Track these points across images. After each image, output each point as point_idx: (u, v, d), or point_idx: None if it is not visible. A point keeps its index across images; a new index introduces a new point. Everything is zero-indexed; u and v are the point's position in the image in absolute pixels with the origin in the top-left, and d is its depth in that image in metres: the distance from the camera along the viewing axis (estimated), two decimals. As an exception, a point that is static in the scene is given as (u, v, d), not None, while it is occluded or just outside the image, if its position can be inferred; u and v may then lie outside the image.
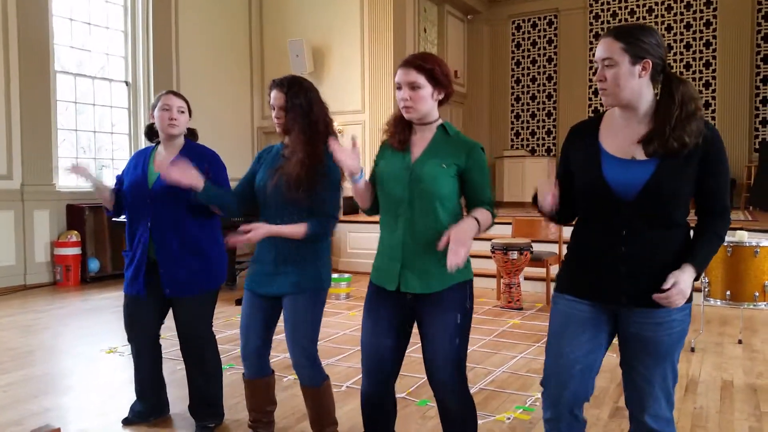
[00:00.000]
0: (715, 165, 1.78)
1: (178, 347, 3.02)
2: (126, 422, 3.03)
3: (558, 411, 1.92)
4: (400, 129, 2.19)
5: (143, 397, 3.05)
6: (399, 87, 2.12)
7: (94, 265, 7.51)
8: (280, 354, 4.03)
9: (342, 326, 5.10)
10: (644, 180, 1.76)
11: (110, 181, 3.09)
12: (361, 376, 2.27)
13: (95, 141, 8.22)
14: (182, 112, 2.87)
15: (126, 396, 3.32)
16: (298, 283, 2.49)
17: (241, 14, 9.96)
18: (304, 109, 2.46)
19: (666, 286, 1.72)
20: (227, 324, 5.13)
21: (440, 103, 2.18)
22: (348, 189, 2.37)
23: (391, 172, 2.17)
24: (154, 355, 3.04)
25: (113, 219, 6.64)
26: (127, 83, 8.43)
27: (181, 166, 2.45)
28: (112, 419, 3.10)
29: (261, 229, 2.39)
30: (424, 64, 2.09)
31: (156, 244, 2.82)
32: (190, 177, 2.44)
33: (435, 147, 2.15)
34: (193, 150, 2.92)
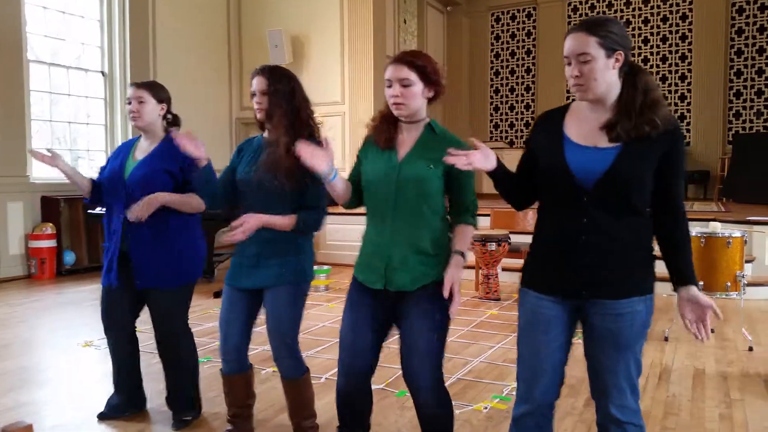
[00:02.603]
0: (678, 163, 1.81)
1: (155, 340, 3.00)
2: (101, 417, 3.01)
3: (530, 407, 1.94)
4: (386, 127, 2.18)
5: (120, 391, 3.03)
6: (389, 84, 2.11)
7: (69, 257, 7.42)
8: (257, 347, 4.02)
9: (321, 318, 5.10)
10: (606, 166, 1.77)
11: (86, 172, 3.05)
12: (338, 371, 2.28)
13: (70, 132, 8.09)
14: (142, 102, 2.81)
15: (102, 390, 3.29)
16: (281, 275, 2.48)
17: (220, 3, 9.85)
18: (286, 94, 2.44)
19: (702, 316, 1.85)
20: (204, 317, 5.11)
21: (429, 101, 2.18)
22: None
23: (377, 172, 2.16)
24: (131, 348, 3.02)
25: (89, 211, 6.59)
26: (103, 73, 8.31)
27: (191, 137, 2.42)
28: (87, 413, 3.08)
29: (253, 220, 2.36)
30: (416, 61, 2.09)
31: (129, 235, 2.79)
32: (198, 148, 2.41)
33: (422, 147, 2.15)
34: (173, 142, 2.89)
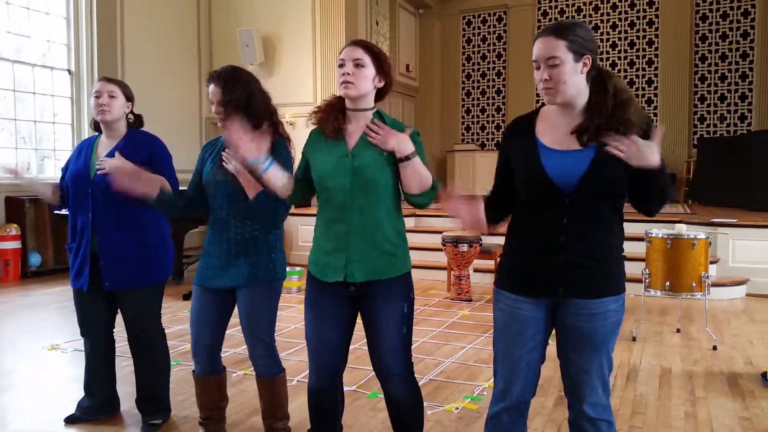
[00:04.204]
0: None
1: (126, 342, 2.95)
2: (71, 419, 2.94)
3: (507, 404, 1.96)
4: (334, 116, 2.15)
5: (92, 394, 2.96)
6: (341, 64, 2.09)
7: (35, 259, 7.25)
8: (229, 349, 3.98)
9: (293, 320, 5.07)
10: (583, 168, 1.79)
11: (53, 173, 2.98)
12: (309, 372, 2.27)
13: (36, 131, 7.91)
14: (113, 97, 2.76)
15: (68, 394, 3.23)
16: (253, 274, 2.46)
17: (190, 2, 9.74)
18: (241, 103, 2.41)
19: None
20: (174, 319, 5.03)
21: (379, 95, 2.18)
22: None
23: (329, 163, 2.12)
24: (108, 351, 2.96)
25: (55, 211, 6.45)
26: (69, 71, 8.14)
27: (128, 175, 2.36)
28: (53, 418, 3.01)
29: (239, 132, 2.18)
30: (372, 48, 2.11)
31: (98, 236, 2.73)
32: (140, 186, 2.35)
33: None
34: (135, 137, 2.85)
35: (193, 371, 2.63)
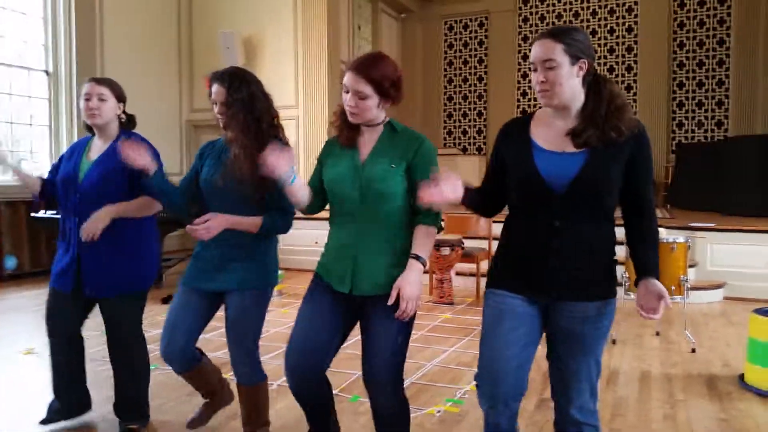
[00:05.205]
0: (645, 167, 1.87)
1: (104, 346, 2.90)
2: (44, 422, 2.88)
3: (493, 405, 1.95)
4: (348, 125, 2.16)
5: (60, 396, 2.91)
6: (346, 90, 2.09)
7: (11, 262, 7.12)
8: (209, 353, 3.93)
9: (274, 323, 5.03)
10: (576, 170, 1.81)
11: (32, 171, 2.93)
12: (285, 364, 2.22)
13: (12, 133, 7.78)
14: (103, 100, 2.72)
15: (45, 398, 3.16)
16: (245, 279, 2.43)
17: (171, 3, 9.66)
18: (246, 104, 2.39)
19: (654, 306, 1.80)
20: (153, 323, 4.96)
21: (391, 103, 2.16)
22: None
23: (340, 173, 2.14)
24: (73, 351, 2.89)
25: (32, 214, 6.34)
26: (47, 72, 8.02)
27: (134, 144, 2.36)
28: (29, 422, 2.95)
29: (218, 220, 2.31)
30: (373, 74, 2.04)
31: (82, 242, 2.67)
32: (143, 156, 2.36)
33: (383, 146, 2.14)
34: (128, 139, 2.81)
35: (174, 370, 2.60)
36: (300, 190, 2.15)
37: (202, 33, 9.71)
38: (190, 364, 2.58)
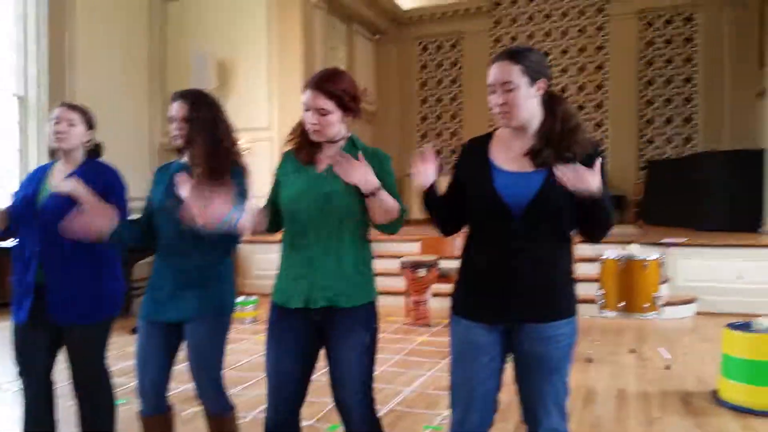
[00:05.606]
0: (603, 186, 1.87)
1: (68, 381, 2.81)
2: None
3: None
4: (307, 140, 2.14)
5: None
6: (307, 108, 2.08)
7: (-24, 292, 6.92)
8: (179, 385, 3.85)
9: (248, 352, 4.95)
10: (534, 191, 1.82)
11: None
12: (267, 405, 2.19)
13: (-21, 158, 7.62)
14: (72, 125, 2.67)
15: (9, 437, 3.06)
16: (201, 307, 2.37)
17: (143, 26, 9.59)
18: (208, 122, 2.36)
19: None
20: (121, 355, 4.85)
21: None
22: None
23: (299, 189, 2.11)
24: (47, 392, 2.80)
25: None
26: (18, 97, 7.90)
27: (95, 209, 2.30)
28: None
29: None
30: (333, 89, 2.05)
31: (45, 268, 2.60)
32: (102, 219, 2.29)
33: None
34: (93, 167, 2.74)
35: (139, 411, 2.51)
36: (251, 223, 2.11)
37: (175, 55, 9.66)
38: (160, 406, 2.49)
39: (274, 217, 2.21)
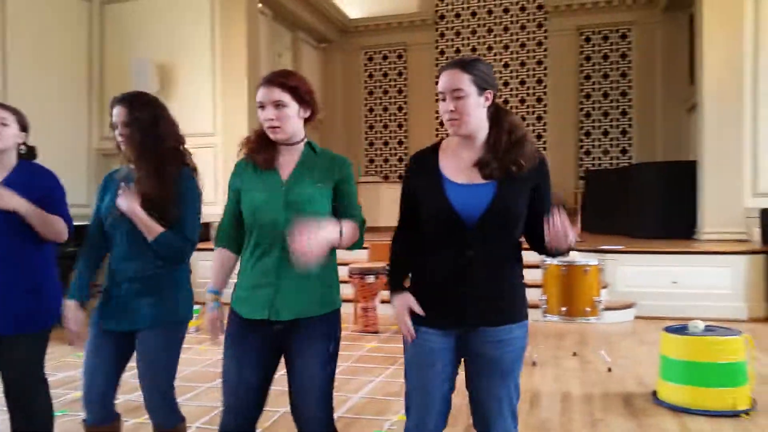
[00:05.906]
0: (547, 193, 1.94)
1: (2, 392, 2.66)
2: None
3: None
4: (264, 146, 2.08)
5: None
6: (262, 106, 2.03)
7: None
8: (123, 395, 3.70)
9: (191, 362, 4.82)
10: (487, 202, 1.85)
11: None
12: (212, 415, 2.13)
13: None
14: (5, 125, 2.54)
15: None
16: (155, 316, 2.29)
17: (80, 28, 9.28)
18: (148, 123, 2.28)
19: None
20: (60, 366, 4.65)
21: (306, 121, 2.12)
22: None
23: (263, 198, 2.04)
24: None
25: None
26: (-59, 97, 7.50)
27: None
28: None
29: (128, 202, 2.21)
30: (288, 82, 2.03)
31: None
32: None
33: (306, 166, 2.08)
34: (27, 169, 2.61)
35: (84, 420, 2.40)
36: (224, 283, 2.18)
37: (115, 60, 9.38)
38: (107, 416, 2.38)
39: (238, 230, 2.14)
